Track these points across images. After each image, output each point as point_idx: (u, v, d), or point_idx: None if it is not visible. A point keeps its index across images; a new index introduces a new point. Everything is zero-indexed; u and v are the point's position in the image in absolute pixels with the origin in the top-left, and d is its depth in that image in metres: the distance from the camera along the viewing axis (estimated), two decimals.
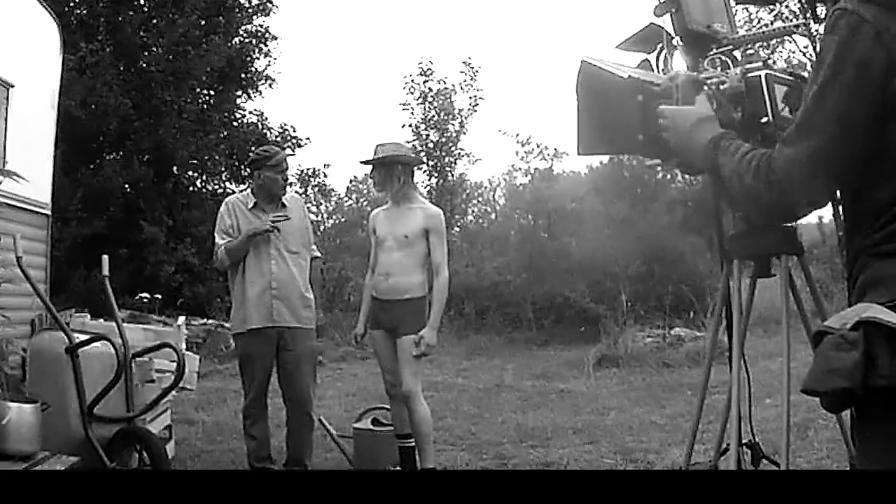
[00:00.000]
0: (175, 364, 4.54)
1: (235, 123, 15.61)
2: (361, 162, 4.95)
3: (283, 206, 4.97)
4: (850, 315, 1.52)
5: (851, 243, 1.67)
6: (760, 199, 1.69)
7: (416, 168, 5.11)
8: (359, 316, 5.07)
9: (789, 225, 2.49)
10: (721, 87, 2.20)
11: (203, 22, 14.55)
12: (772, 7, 13.92)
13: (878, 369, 1.44)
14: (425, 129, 16.85)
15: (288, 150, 7.97)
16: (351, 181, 26.82)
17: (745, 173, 1.68)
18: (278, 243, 4.84)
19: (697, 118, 1.92)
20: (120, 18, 14.11)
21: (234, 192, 10.18)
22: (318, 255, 5.28)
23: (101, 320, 5.93)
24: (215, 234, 4.97)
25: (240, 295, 4.88)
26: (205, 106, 15.08)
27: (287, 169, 5.06)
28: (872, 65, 1.53)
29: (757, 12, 14.70)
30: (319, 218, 21.67)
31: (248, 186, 5.24)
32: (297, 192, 16.39)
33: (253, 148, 9.74)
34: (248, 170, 5.62)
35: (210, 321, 11.73)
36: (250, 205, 4.94)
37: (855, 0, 1.57)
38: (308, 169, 18.02)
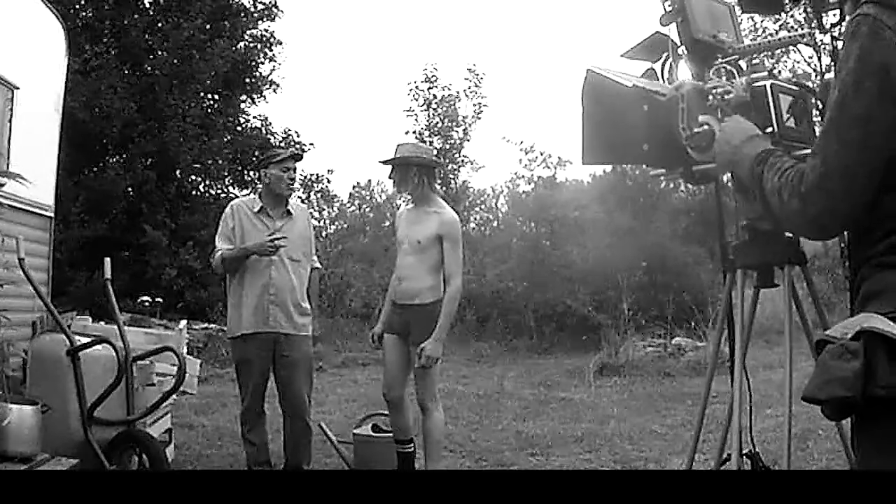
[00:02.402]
0: (176, 368, 4.54)
1: (239, 128, 15.60)
2: (380, 161, 4.86)
3: (289, 213, 4.95)
4: (851, 325, 1.52)
5: (855, 254, 1.67)
6: (799, 217, 1.65)
7: (435, 170, 4.93)
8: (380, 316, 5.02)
9: (791, 235, 2.48)
10: (726, 96, 2.20)
11: (208, 26, 14.57)
12: (777, 17, 13.94)
13: (877, 379, 1.45)
14: (429, 136, 16.85)
15: (293, 150, 7.88)
16: (354, 187, 26.90)
17: (784, 190, 1.66)
18: (280, 250, 4.83)
19: (751, 134, 1.91)
20: (125, 21, 14.14)
21: (236, 197, 10.17)
22: (318, 265, 5.25)
23: (103, 323, 5.91)
24: (216, 238, 4.97)
25: (237, 299, 4.87)
26: (209, 110, 15.08)
27: (294, 169, 4.99)
28: (894, 70, 1.53)
29: (762, 22, 14.72)
30: (322, 223, 21.70)
31: (253, 190, 5.22)
32: (300, 197, 16.39)
33: (257, 153, 9.71)
34: (253, 173, 5.57)
35: (211, 325, 11.71)
36: (255, 209, 4.91)
37: (875, 6, 1.57)
38: (311, 175, 18.06)
